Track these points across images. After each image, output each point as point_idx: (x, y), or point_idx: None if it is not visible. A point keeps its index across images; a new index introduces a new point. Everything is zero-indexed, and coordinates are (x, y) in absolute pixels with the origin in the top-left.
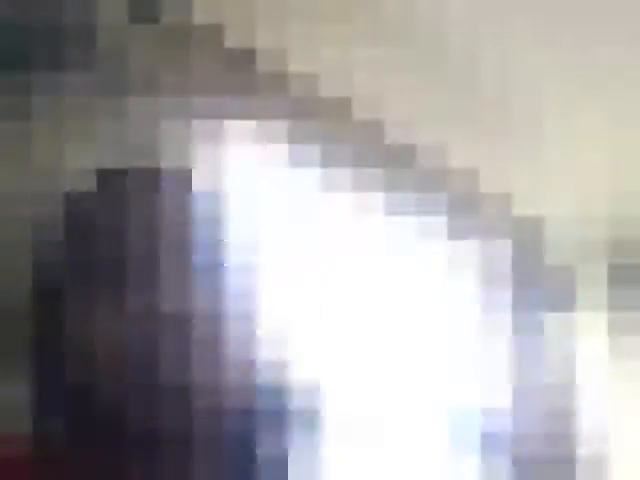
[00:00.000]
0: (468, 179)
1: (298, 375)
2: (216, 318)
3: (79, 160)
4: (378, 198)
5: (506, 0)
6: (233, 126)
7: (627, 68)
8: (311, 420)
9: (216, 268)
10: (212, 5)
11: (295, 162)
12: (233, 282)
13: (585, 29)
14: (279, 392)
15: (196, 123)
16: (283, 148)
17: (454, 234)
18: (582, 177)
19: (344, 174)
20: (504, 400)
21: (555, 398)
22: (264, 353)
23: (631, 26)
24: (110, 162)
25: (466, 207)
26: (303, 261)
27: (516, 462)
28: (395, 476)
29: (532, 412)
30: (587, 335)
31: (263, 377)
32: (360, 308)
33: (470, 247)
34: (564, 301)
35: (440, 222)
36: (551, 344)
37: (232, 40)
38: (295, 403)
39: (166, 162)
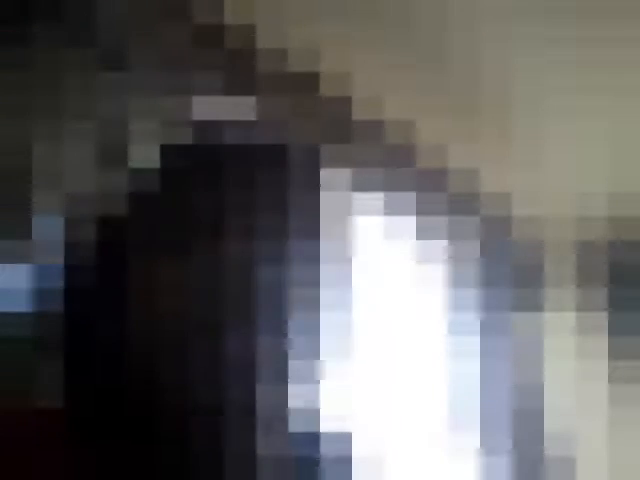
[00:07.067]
0: (468, 179)
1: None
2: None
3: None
4: (377, 198)
5: (507, 1)
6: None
7: (628, 68)
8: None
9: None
10: (214, 5)
11: None
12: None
13: (586, 29)
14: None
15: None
16: None
17: (454, 234)
18: (582, 177)
19: (345, 174)
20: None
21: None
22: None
23: (632, 25)
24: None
25: (466, 207)
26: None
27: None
28: None
29: (501, 410)
30: (587, 335)
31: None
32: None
33: (469, 247)
34: (563, 300)
35: (440, 222)
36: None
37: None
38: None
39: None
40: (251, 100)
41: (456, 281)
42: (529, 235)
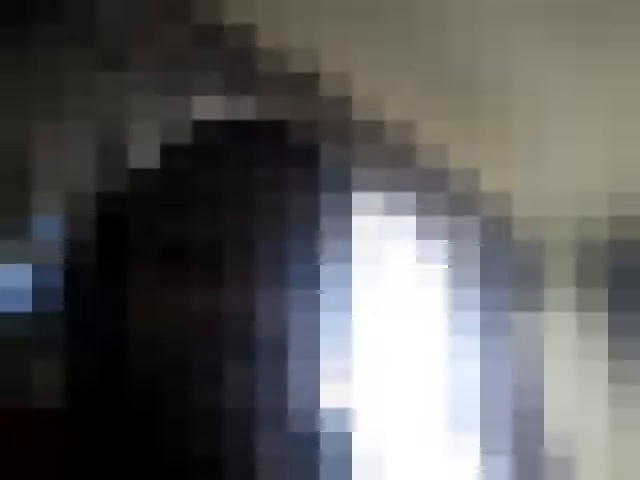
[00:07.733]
0: (468, 179)
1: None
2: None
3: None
4: (377, 199)
5: (507, 1)
6: None
7: (628, 68)
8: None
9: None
10: (215, 5)
11: None
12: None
13: (586, 29)
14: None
15: None
16: None
17: (454, 234)
18: (582, 177)
19: (345, 174)
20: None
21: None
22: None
23: (632, 25)
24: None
25: (466, 207)
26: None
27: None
28: None
29: (501, 411)
30: (587, 335)
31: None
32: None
33: (469, 247)
34: (563, 300)
35: (440, 222)
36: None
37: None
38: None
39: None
40: (251, 100)
41: (456, 281)
42: (529, 235)
